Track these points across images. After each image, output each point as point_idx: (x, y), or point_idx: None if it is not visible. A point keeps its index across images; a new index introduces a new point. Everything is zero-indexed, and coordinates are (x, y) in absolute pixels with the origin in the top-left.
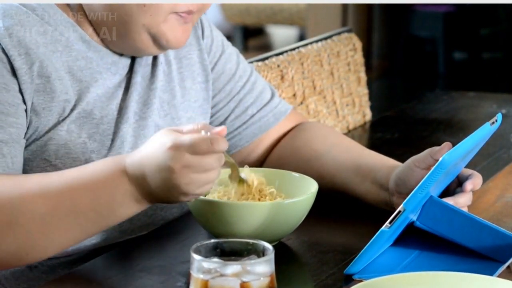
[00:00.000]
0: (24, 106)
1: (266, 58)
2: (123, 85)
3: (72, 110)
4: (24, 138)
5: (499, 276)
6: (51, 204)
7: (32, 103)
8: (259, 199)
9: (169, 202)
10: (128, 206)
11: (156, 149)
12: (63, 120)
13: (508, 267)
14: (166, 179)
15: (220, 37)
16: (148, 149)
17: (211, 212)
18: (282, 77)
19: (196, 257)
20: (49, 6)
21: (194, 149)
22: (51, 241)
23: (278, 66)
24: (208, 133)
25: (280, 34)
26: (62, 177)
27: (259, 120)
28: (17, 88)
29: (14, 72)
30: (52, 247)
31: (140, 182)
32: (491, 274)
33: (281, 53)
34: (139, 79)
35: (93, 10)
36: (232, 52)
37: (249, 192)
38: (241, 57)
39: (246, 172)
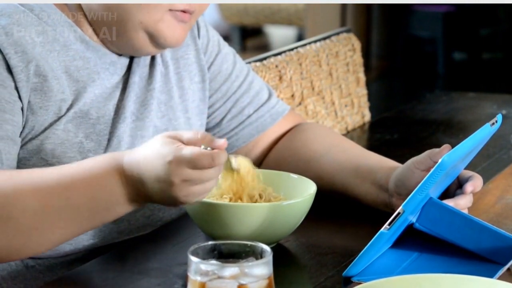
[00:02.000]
0: (20, 104)
1: (264, 58)
2: (120, 86)
3: (68, 109)
4: (20, 136)
5: (499, 278)
6: (44, 199)
7: (28, 101)
8: (256, 201)
9: (165, 205)
10: (124, 206)
11: (156, 160)
12: (59, 119)
13: (508, 269)
14: (165, 191)
15: (216, 37)
16: (148, 157)
17: (208, 214)
18: (280, 78)
19: (193, 259)
20: (48, 6)
21: (195, 164)
22: (44, 237)
23: (276, 66)
24: (208, 148)
25: (279, 34)
26: (57, 173)
27: (256, 121)
28: (13, 86)
29: (9, 70)
30: (44, 243)
31: (137, 187)
32: (491, 276)
33: (279, 54)
34: (136, 79)
35: (92, 10)
36: (228, 52)
37: (239, 182)
38: (238, 57)
39: (238, 160)
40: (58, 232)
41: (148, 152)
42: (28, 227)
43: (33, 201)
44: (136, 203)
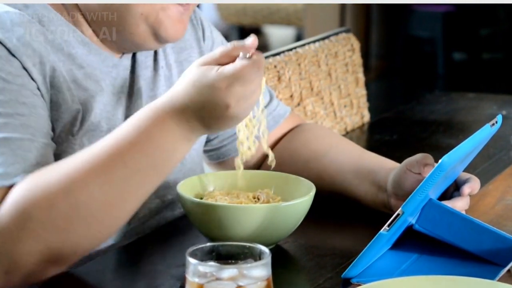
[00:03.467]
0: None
1: None
2: (125, 91)
3: (81, 123)
4: None
5: (499, 280)
6: (104, 174)
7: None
8: (255, 202)
9: (219, 130)
10: (182, 149)
11: (205, 91)
12: (73, 134)
13: (509, 270)
14: (223, 115)
15: (219, 38)
16: (192, 92)
17: (207, 215)
18: (279, 78)
19: (191, 260)
20: (46, 8)
21: (243, 80)
22: (120, 209)
23: (275, 66)
24: (248, 55)
25: (277, 34)
26: (106, 147)
27: None
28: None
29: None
30: (123, 213)
31: (188, 121)
32: (491, 278)
33: (278, 54)
34: (141, 85)
35: (91, 10)
36: None
37: None
38: None
39: None
40: (133, 199)
41: (189, 88)
42: (100, 208)
43: (95, 182)
44: (191, 140)
